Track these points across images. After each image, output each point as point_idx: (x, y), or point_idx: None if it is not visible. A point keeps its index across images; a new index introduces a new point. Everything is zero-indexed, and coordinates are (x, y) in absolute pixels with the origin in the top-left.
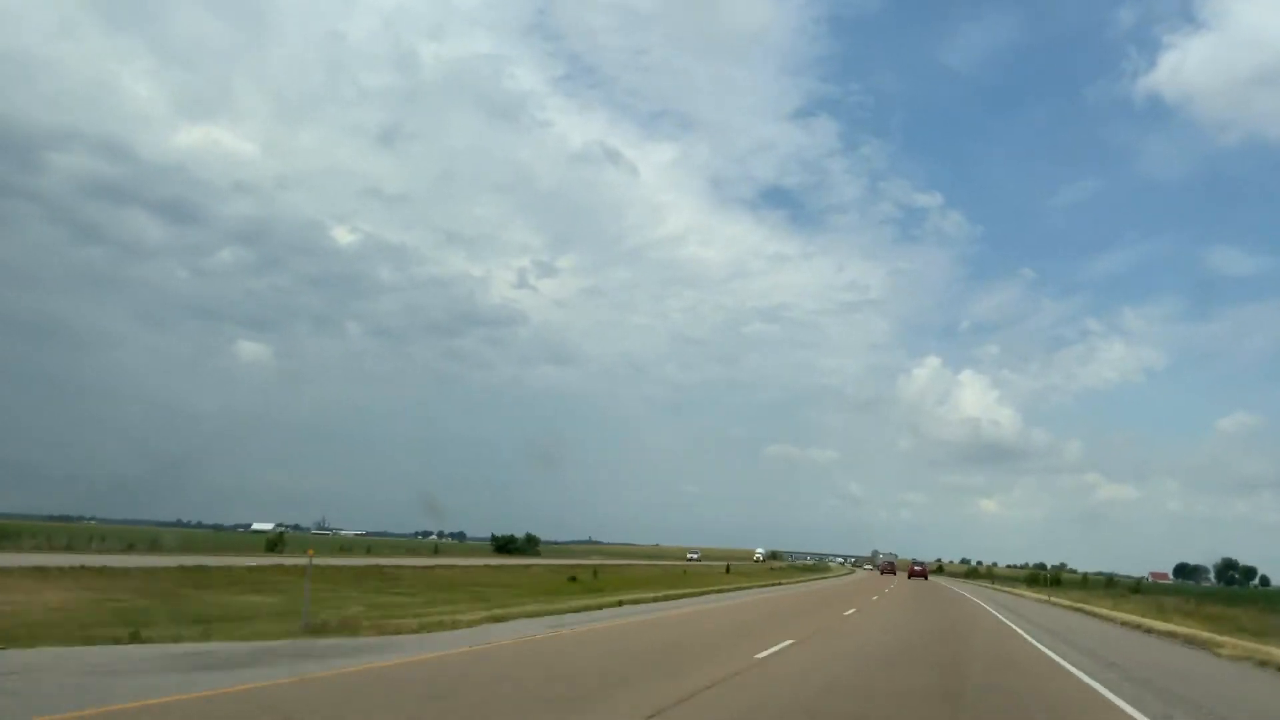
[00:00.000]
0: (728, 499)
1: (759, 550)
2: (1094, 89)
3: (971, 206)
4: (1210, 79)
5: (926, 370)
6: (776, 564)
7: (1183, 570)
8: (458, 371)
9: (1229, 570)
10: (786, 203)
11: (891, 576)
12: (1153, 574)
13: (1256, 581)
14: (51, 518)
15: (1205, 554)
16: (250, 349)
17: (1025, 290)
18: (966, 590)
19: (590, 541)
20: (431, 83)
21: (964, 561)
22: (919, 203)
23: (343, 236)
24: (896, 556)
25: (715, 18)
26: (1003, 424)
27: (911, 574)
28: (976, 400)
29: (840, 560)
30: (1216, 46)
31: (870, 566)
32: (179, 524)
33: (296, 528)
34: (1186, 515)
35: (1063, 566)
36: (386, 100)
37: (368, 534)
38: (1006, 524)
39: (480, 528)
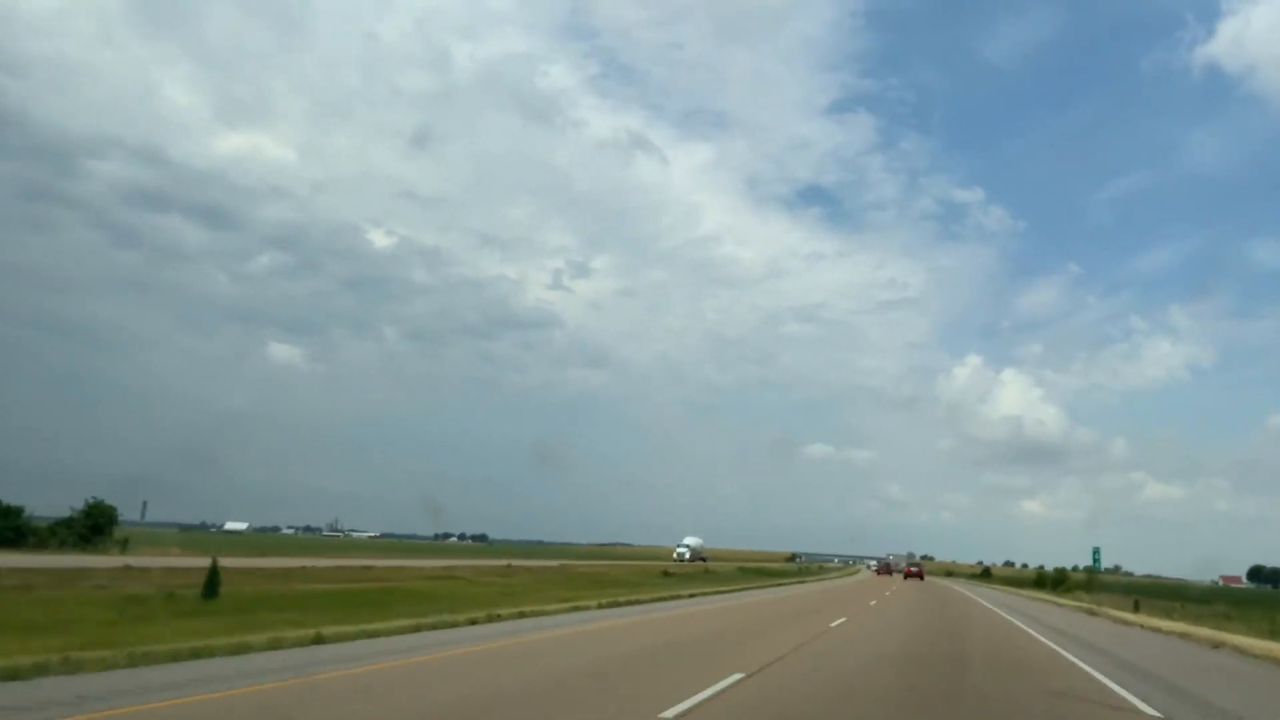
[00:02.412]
0: (763, 501)
1: (686, 541)
2: (1148, 61)
3: (1014, 202)
4: (1275, 46)
5: (968, 369)
6: (697, 567)
7: (1259, 574)
8: (492, 374)
9: None
10: (824, 201)
11: (889, 578)
12: (1224, 577)
13: None
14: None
15: (1259, 556)
16: (286, 352)
17: (1069, 287)
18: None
19: (618, 544)
20: (465, 83)
21: (1007, 564)
22: (960, 198)
23: (378, 239)
24: (907, 556)
25: (750, 8)
26: (1046, 423)
27: (907, 574)
28: (1019, 399)
29: (871, 563)
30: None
31: (873, 566)
32: (203, 526)
33: (308, 529)
34: (1235, 515)
35: (1116, 569)
36: (421, 102)
37: (383, 535)
38: (1050, 525)
39: (506, 530)
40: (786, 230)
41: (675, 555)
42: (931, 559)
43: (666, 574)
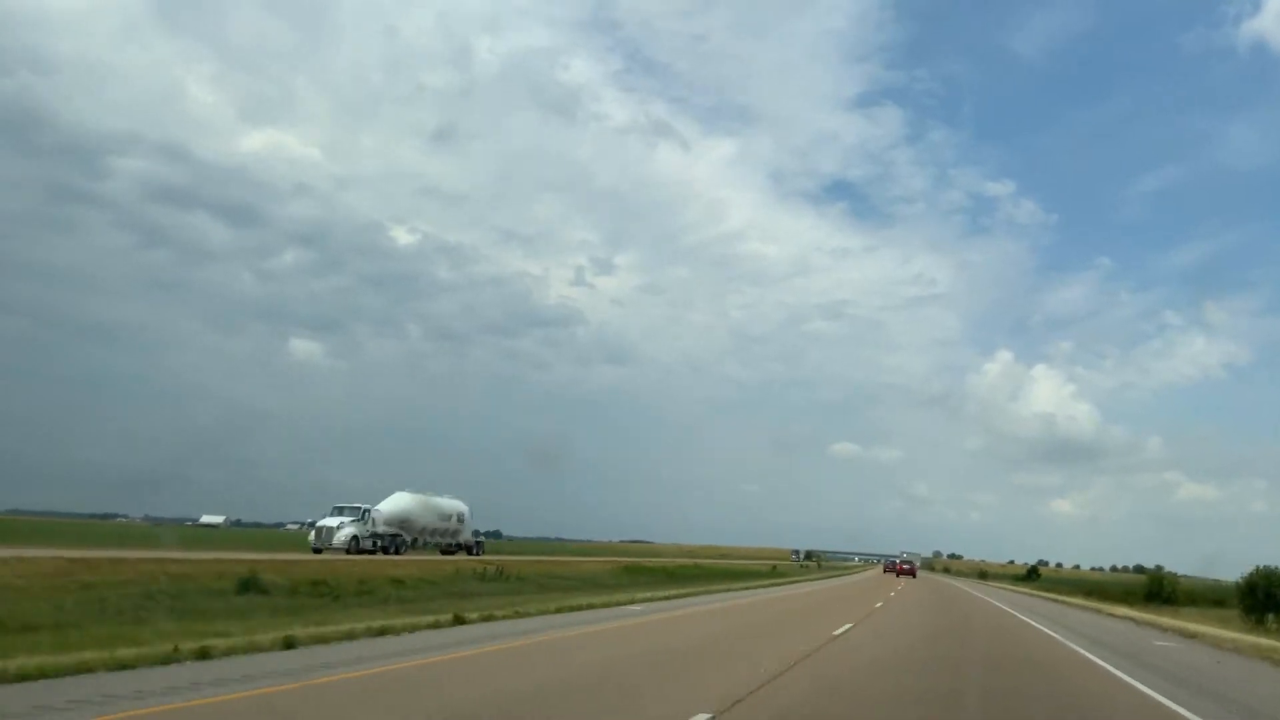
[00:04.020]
0: (787, 499)
1: (381, 507)
2: (1190, 39)
3: (1046, 195)
4: None
5: (998, 366)
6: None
7: None
8: (515, 372)
9: None
10: (850, 195)
11: (895, 579)
12: None
13: None
14: (94, 516)
15: None
16: (307, 349)
17: (1101, 282)
18: None
19: (638, 541)
20: (487, 78)
21: (1041, 563)
22: (990, 191)
23: (401, 237)
24: (932, 555)
25: (776, 3)
26: (1078, 421)
27: (899, 572)
28: (1050, 397)
29: (893, 559)
30: None
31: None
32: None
33: (312, 524)
34: (1273, 516)
35: (1159, 569)
36: (443, 98)
37: None
38: (1082, 525)
39: (523, 527)
40: (812, 226)
41: (312, 539)
42: (960, 558)
43: (250, 586)
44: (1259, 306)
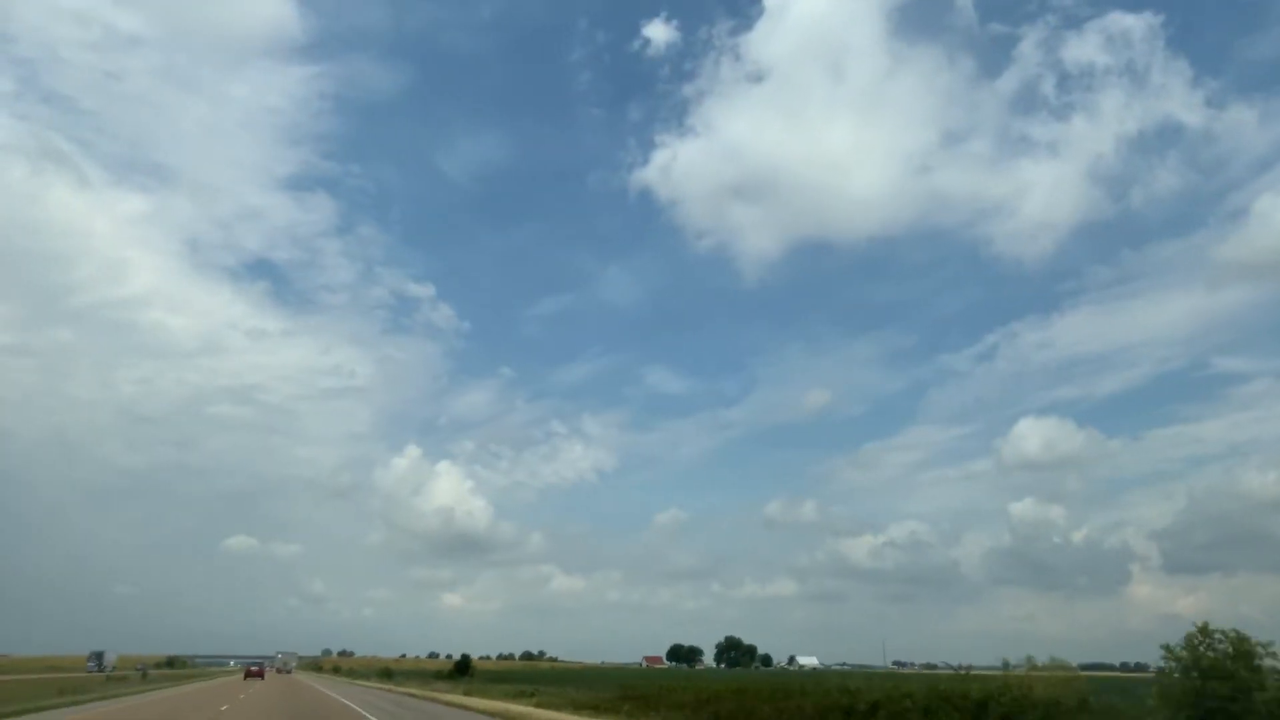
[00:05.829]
0: (171, 600)
1: None
2: (594, 179)
3: (462, 302)
4: (693, 184)
5: (406, 461)
6: None
7: (676, 653)
8: None
9: (731, 650)
10: (274, 276)
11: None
12: (646, 658)
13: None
14: None
15: (671, 637)
16: None
17: (502, 389)
18: None
19: None
20: None
21: (432, 655)
22: (412, 292)
23: None
24: (295, 655)
25: (212, 57)
26: (474, 516)
27: (247, 674)
28: (450, 492)
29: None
30: (702, 153)
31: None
32: None
33: None
34: (625, 603)
35: (542, 654)
36: None
37: None
38: (471, 616)
39: None
40: (229, 302)
41: None
42: (352, 654)
43: None
44: (625, 421)
